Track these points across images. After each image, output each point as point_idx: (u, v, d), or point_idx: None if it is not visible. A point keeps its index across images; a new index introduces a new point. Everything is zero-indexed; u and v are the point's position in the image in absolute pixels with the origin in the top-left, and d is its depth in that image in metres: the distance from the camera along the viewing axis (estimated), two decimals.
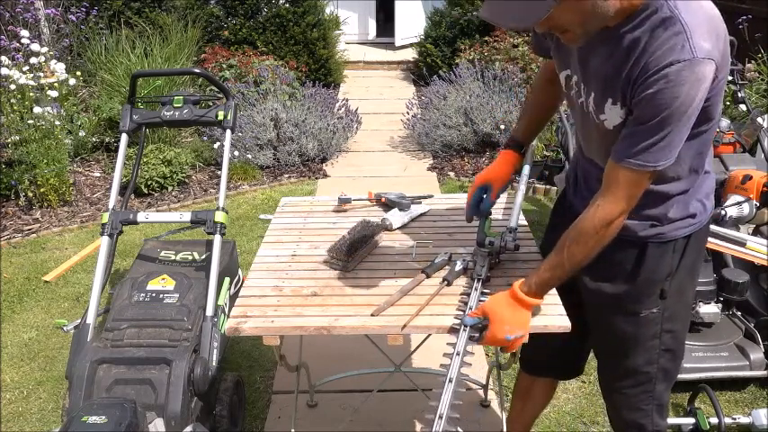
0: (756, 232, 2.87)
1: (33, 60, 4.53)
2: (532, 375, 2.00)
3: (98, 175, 4.75)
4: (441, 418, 1.39)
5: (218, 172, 4.71)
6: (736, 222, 2.83)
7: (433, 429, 1.37)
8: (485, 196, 1.71)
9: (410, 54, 7.88)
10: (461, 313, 1.53)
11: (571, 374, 2.03)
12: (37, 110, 4.29)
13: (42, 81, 4.55)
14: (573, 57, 1.45)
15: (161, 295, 2.31)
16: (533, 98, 1.80)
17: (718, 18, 1.29)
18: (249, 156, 4.87)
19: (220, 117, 2.60)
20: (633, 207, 1.39)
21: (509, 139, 1.76)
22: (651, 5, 1.26)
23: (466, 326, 1.49)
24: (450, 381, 1.44)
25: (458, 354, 1.46)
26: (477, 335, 1.48)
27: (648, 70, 1.25)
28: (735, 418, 2.35)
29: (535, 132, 1.78)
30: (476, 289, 1.60)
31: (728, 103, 4.46)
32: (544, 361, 1.91)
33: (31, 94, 4.43)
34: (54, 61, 4.81)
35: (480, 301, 1.55)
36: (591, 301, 1.66)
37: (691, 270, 1.59)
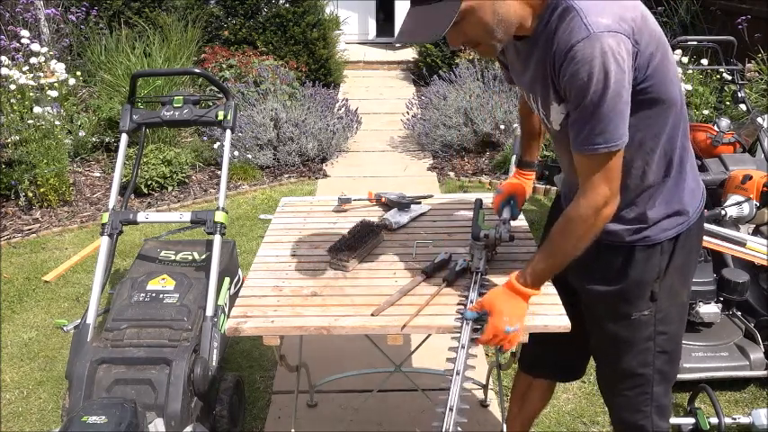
0: (756, 232, 2.87)
1: (33, 60, 4.53)
2: (531, 374, 1.99)
3: (98, 175, 4.75)
4: (451, 410, 1.41)
5: (218, 172, 4.71)
6: (736, 222, 2.83)
7: (444, 423, 1.39)
8: (511, 205, 1.85)
9: (410, 54, 7.88)
10: (463, 307, 1.54)
11: (570, 375, 2.02)
12: (37, 110, 4.30)
13: (42, 81, 4.54)
14: (514, 74, 1.55)
15: (161, 295, 2.31)
16: (521, 123, 1.92)
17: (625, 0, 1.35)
18: (249, 156, 4.87)
19: (220, 117, 2.61)
20: (616, 190, 1.39)
21: (519, 160, 1.92)
22: (553, 2, 1.33)
23: (467, 320, 1.50)
24: (458, 373, 1.45)
25: (462, 347, 1.48)
26: (477, 335, 1.48)
27: (559, 58, 1.31)
28: (735, 418, 2.35)
29: (537, 149, 1.93)
30: (475, 282, 1.61)
31: (728, 103, 4.46)
32: (542, 356, 1.90)
33: (31, 94, 4.43)
34: (54, 61, 4.81)
35: (481, 294, 1.56)
36: (585, 303, 1.67)
37: (682, 271, 1.58)
